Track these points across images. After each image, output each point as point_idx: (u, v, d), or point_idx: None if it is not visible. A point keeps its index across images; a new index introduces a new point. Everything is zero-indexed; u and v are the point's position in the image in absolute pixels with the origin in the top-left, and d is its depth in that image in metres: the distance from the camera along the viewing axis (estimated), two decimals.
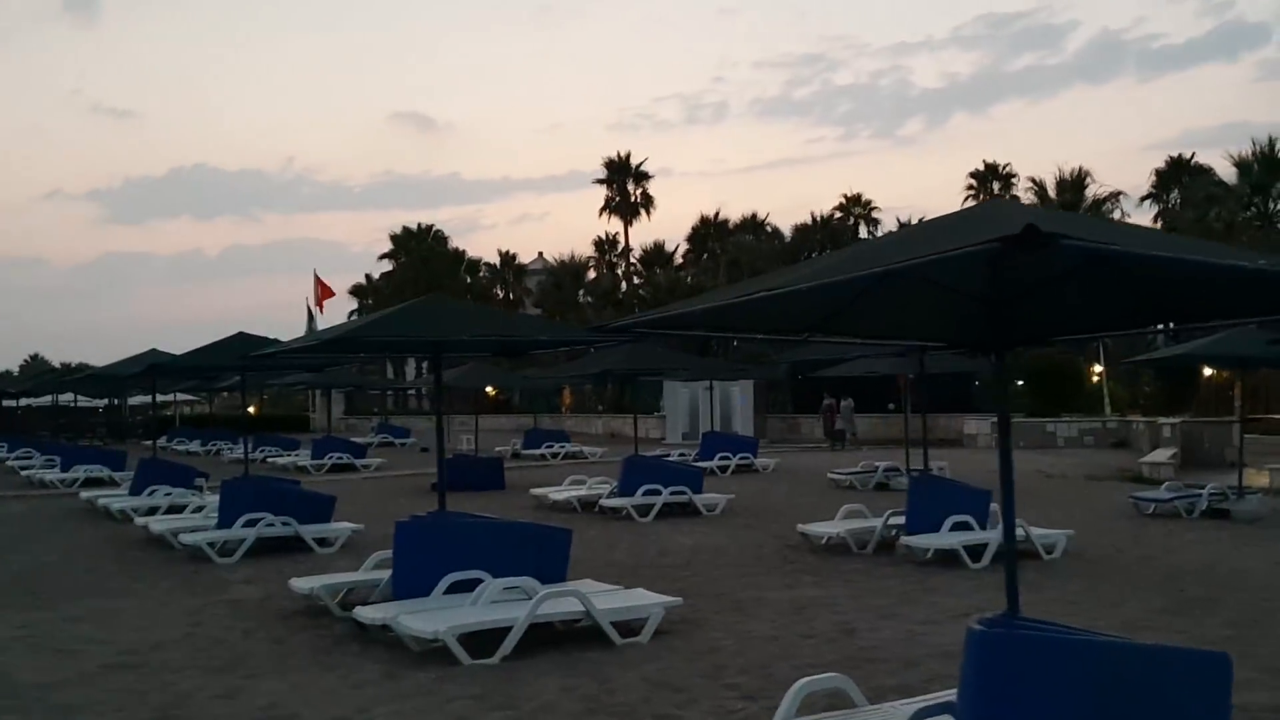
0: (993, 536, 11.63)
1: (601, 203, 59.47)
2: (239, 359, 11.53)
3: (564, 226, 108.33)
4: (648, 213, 59.06)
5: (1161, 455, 22.90)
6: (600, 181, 59.21)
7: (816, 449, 32.61)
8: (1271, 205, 39.91)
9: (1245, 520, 15.01)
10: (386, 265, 63.16)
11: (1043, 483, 20.38)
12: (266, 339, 13.45)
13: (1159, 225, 46.72)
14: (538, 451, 29.26)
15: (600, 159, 61.83)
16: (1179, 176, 54.70)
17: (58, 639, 8.55)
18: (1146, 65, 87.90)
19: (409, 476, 24.38)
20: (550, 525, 9.88)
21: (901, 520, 12.70)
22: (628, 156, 59.10)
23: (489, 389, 56.34)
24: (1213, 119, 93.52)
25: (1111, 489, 19.69)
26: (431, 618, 7.83)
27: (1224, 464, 25.24)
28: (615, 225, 60.59)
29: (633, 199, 58.92)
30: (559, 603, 8.08)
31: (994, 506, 12.66)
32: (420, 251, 58.82)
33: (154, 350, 17.82)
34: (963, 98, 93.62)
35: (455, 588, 8.69)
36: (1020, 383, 35.20)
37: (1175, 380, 29.36)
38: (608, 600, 8.33)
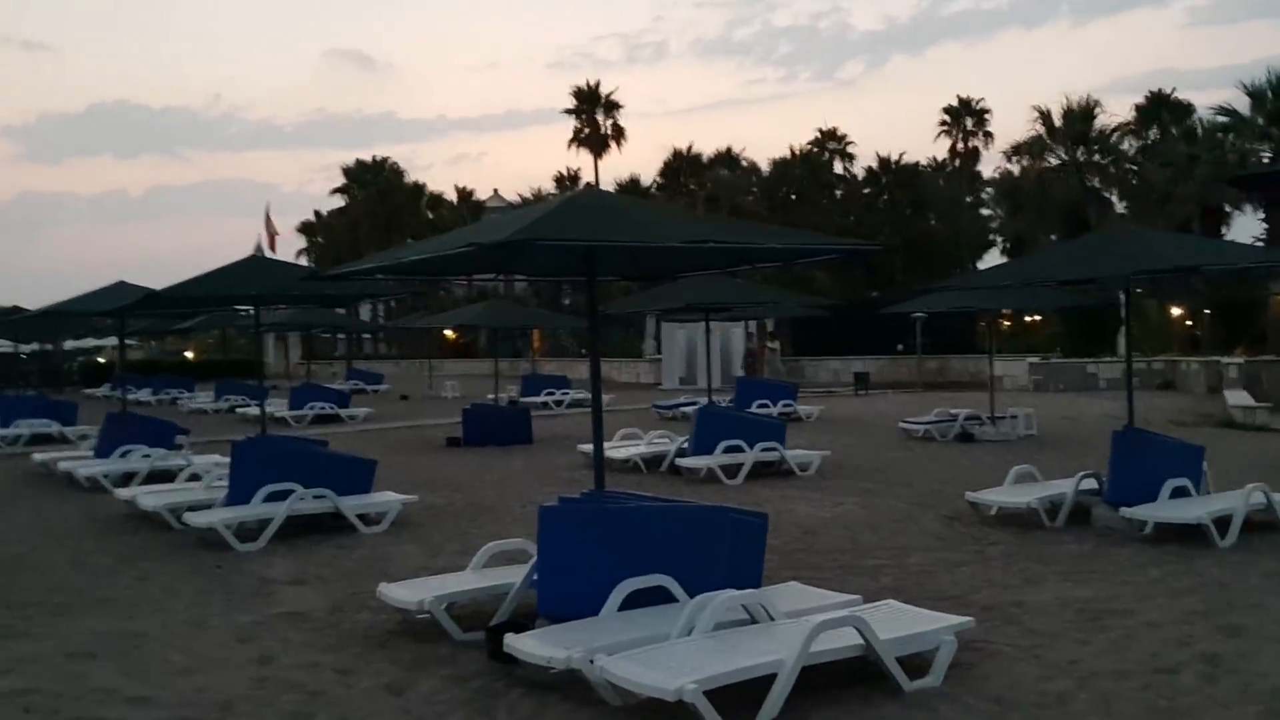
0: (1233, 505, 9.27)
1: (570, 134, 56.17)
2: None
3: (503, 167, 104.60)
4: (619, 145, 55.91)
5: (1245, 398, 20.92)
6: (569, 112, 55.90)
7: (830, 393, 30.25)
8: None
9: None
10: (338, 201, 59.33)
11: None
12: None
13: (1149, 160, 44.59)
14: (538, 399, 26.49)
15: (540, 97, 59.00)
16: (1158, 113, 53.13)
17: (71, 697, 5.75)
18: (1079, 10, 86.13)
19: (409, 429, 21.59)
20: (743, 510, 7.27)
21: (1093, 484, 10.36)
22: (597, 85, 55.91)
23: (448, 331, 53.16)
24: (1142, 65, 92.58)
25: (1228, 437, 17.54)
26: (655, 661, 5.21)
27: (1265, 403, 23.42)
28: (581, 160, 57.55)
29: (603, 130, 55.68)
30: (832, 636, 5.49)
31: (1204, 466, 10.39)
32: (377, 184, 55.01)
33: (122, 283, 14.75)
34: (901, 40, 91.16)
35: (630, 601, 6.13)
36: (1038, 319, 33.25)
37: (1232, 318, 27.49)
38: (883, 625, 5.76)
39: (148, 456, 13.98)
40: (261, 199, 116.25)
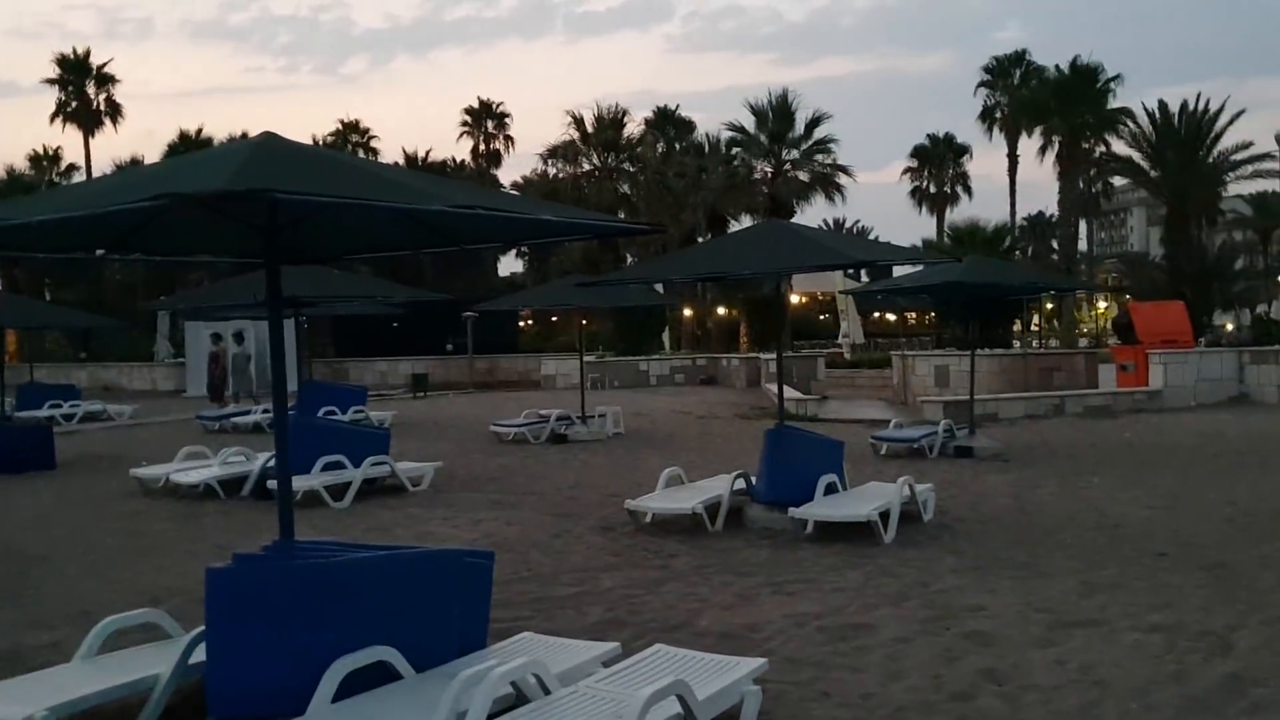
0: (890, 501, 9.32)
1: (53, 108, 48.85)
2: None
3: None
4: (114, 122, 49.57)
5: (791, 390, 22.45)
6: (52, 81, 48.53)
7: (383, 396, 28.55)
8: (785, 153, 42.44)
9: (989, 457, 14.28)
10: None
11: (719, 427, 18.74)
12: None
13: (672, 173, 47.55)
14: (42, 413, 22.21)
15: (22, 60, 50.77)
16: (665, 127, 57.26)
17: None
18: (572, 27, 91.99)
19: None
20: (466, 550, 5.85)
21: (741, 484, 10.06)
22: (87, 55, 49.04)
23: None
24: (629, 84, 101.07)
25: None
26: None
27: (810, 395, 25.67)
28: (66, 138, 50.32)
29: (95, 105, 49.03)
30: (657, 709, 4.33)
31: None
32: None
33: None
34: (405, 41, 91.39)
35: (349, 685, 4.61)
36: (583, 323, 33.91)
37: (762, 316, 29.57)
38: (698, 683, 4.70)
39: None
40: None
